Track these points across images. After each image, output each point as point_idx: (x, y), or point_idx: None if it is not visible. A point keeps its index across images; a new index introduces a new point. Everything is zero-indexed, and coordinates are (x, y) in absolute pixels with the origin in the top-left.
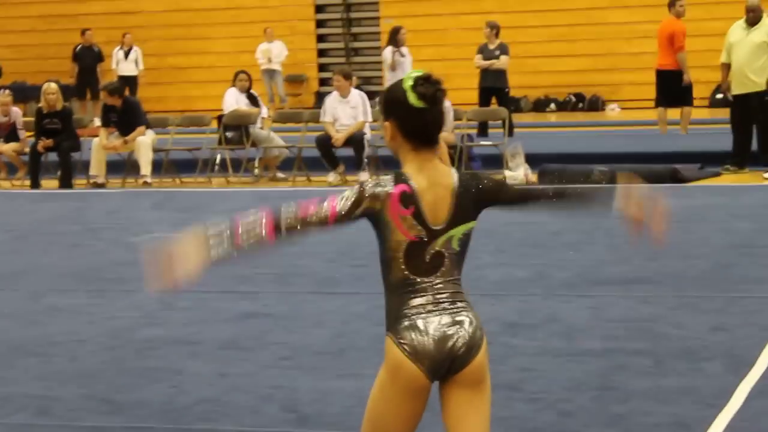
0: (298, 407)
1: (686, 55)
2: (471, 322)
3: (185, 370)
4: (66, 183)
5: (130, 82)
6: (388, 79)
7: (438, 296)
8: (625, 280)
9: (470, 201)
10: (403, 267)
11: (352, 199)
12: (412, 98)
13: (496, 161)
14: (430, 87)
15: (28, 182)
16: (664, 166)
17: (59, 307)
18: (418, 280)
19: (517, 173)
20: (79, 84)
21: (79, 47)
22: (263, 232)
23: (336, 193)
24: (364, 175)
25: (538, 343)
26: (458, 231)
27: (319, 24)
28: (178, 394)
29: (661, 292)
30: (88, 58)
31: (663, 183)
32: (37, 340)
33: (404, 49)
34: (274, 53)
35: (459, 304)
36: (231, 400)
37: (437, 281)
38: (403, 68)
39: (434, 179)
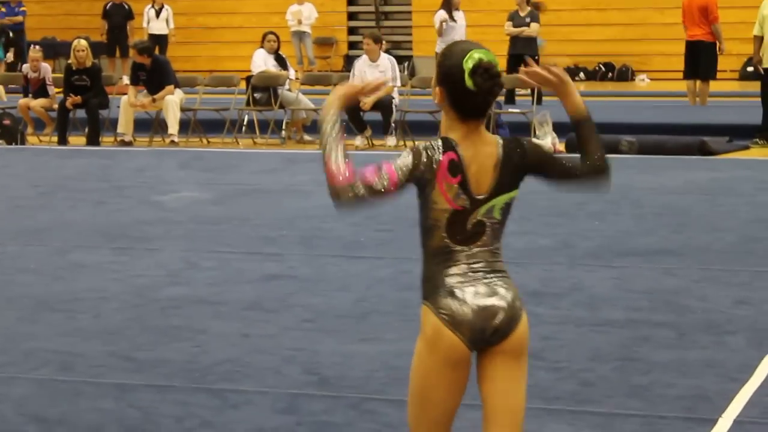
0: (319, 370)
1: (721, 26)
2: (510, 293)
3: (208, 330)
4: (93, 140)
5: (160, 40)
6: (438, 44)
7: (478, 265)
8: (649, 251)
9: (514, 170)
10: (444, 235)
11: (409, 165)
12: (468, 82)
13: (524, 129)
14: (488, 81)
15: (55, 138)
16: (693, 138)
17: (84, 263)
18: (458, 248)
19: (545, 142)
20: (109, 41)
21: (109, 4)
22: (345, 168)
23: (389, 160)
24: (391, 140)
25: (562, 313)
26: (500, 200)
27: None
28: (200, 354)
29: (686, 264)
30: (118, 16)
31: (691, 155)
32: (62, 296)
33: (458, 14)
34: (304, 15)
35: (498, 275)
36: (253, 360)
37: (477, 250)
38: (452, 35)
39: (479, 148)
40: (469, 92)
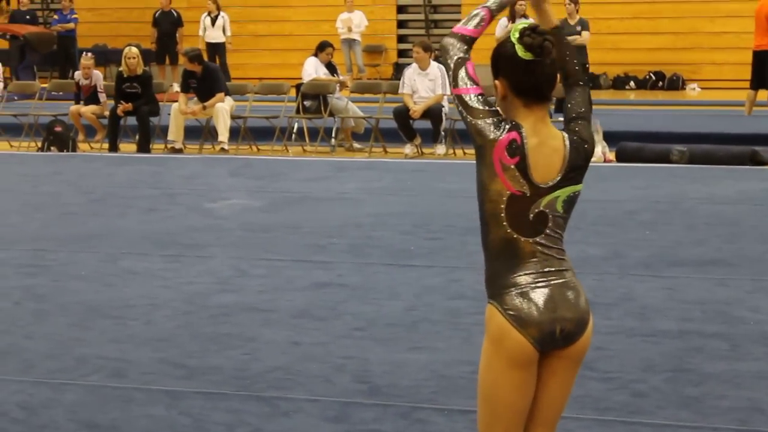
0: (370, 378)
1: None
2: (579, 293)
3: (258, 338)
4: (144, 147)
5: (216, 49)
6: None
7: (544, 262)
8: (701, 261)
9: (579, 164)
10: (505, 224)
11: (481, 108)
12: (520, 50)
13: None
14: (537, 37)
15: (106, 145)
16: (744, 148)
17: (135, 270)
18: (522, 240)
19: (595, 151)
20: (158, 49)
21: (158, 12)
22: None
23: (481, 91)
24: (440, 148)
25: (613, 323)
26: (564, 193)
27: None
28: (251, 361)
29: (739, 275)
30: (167, 23)
31: (742, 165)
32: (113, 303)
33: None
34: (354, 23)
35: (566, 274)
36: (303, 369)
37: (542, 245)
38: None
39: (546, 140)
40: (525, 64)
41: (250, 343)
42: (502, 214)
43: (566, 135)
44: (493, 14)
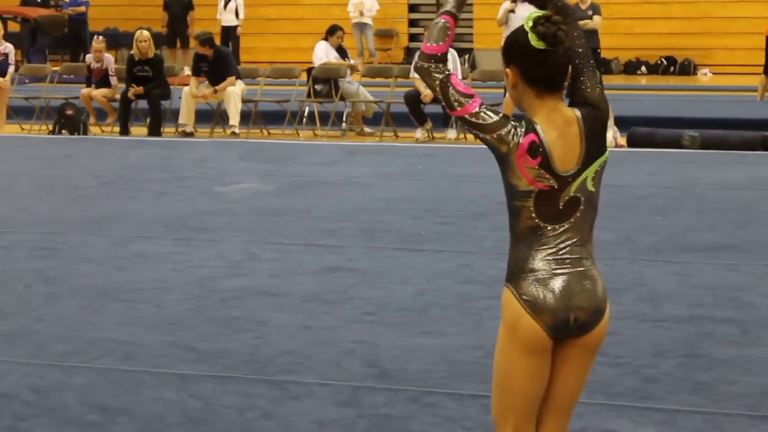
0: (380, 363)
1: None
2: (596, 282)
3: (269, 322)
4: (155, 131)
5: (229, 32)
6: (503, 37)
7: (565, 249)
8: (712, 246)
9: (597, 136)
10: (533, 215)
11: (491, 122)
12: (533, 39)
13: None
14: (551, 26)
15: (117, 129)
16: (756, 133)
17: (146, 254)
18: (549, 227)
19: (606, 136)
20: (169, 33)
21: None
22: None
23: (483, 101)
24: (451, 132)
25: (624, 308)
26: (591, 170)
27: None
28: (261, 345)
29: (750, 260)
30: (178, 7)
31: (753, 150)
32: (123, 286)
33: (523, 6)
34: (366, 7)
35: (585, 262)
36: (314, 353)
37: (567, 231)
38: (512, 26)
39: (563, 129)
40: (537, 53)
41: (260, 326)
42: (531, 208)
43: (578, 113)
44: (455, 17)
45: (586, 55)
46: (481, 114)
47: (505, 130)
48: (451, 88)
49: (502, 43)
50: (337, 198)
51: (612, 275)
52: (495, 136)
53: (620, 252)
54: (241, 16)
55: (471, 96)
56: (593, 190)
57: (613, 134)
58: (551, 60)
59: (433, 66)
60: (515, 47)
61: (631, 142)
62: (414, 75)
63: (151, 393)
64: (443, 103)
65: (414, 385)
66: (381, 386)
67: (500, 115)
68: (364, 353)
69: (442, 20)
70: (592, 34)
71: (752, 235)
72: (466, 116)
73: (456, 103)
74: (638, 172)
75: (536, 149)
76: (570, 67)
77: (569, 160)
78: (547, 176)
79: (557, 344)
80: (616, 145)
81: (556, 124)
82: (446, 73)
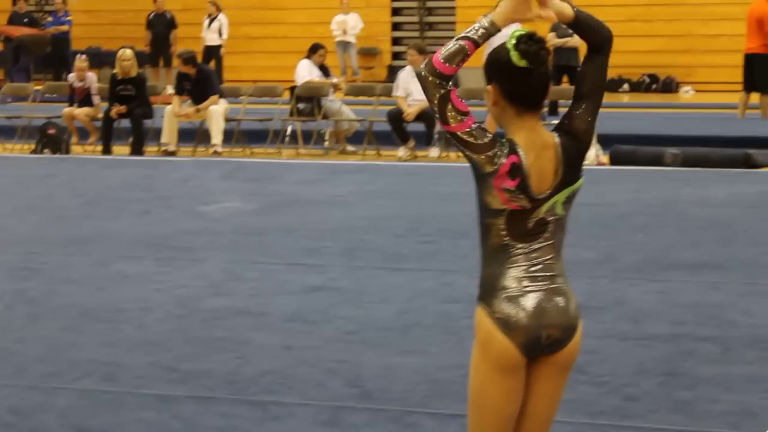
0: (362, 382)
1: None
2: (569, 300)
3: (251, 341)
4: (137, 150)
5: (212, 51)
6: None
7: (537, 267)
8: (694, 264)
9: (574, 162)
10: (503, 233)
11: (482, 142)
12: (515, 57)
13: None
14: (533, 45)
15: (99, 148)
16: (737, 151)
17: (127, 274)
18: (518, 246)
19: (588, 153)
20: (152, 51)
21: (152, 14)
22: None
23: (476, 120)
24: (434, 151)
25: (605, 326)
26: (562, 195)
27: None
28: (243, 365)
29: (731, 278)
30: (161, 26)
31: (736, 167)
32: (105, 307)
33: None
34: (349, 25)
35: (557, 279)
36: (296, 373)
37: (538, 249)
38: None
39: (540, 149)
40: (519, 72)
41: (242, 346)
42: (502, 225)
43: (557, 140)
44: (477, 46)
45: (599, 85)
46: (474, 133)
47: (492, 152)
48: (450, 104)
49: (484, 61)
50: (320, 217)
51: (593, 293)
52: (484, 156)
53: (601, 270)
54: (225, 35)
55: (467, 114)
56: (562, 213)
57: (595, 152)
58: (532, 78)
59: (438, 81)
60: (497, 64)
61: (614, 160)
62: (397, 93)
63: (132, 414)
64: (437, 116)
65: (395, 404)
66: (362, 406)
67: (491, 136)
68: (345, 373)
69: (464, 44)
70: (573, 51)
71: (734, 253)
72: (459, 133)
73: (452, 119)
74: (620, 189)
75: (516, 171)
76: (574, 87)
77: (544, 183)
78: (522, 197)
79: (531, 362)
80: (599, 163)
81: (535, 146)
82: (448, 89)
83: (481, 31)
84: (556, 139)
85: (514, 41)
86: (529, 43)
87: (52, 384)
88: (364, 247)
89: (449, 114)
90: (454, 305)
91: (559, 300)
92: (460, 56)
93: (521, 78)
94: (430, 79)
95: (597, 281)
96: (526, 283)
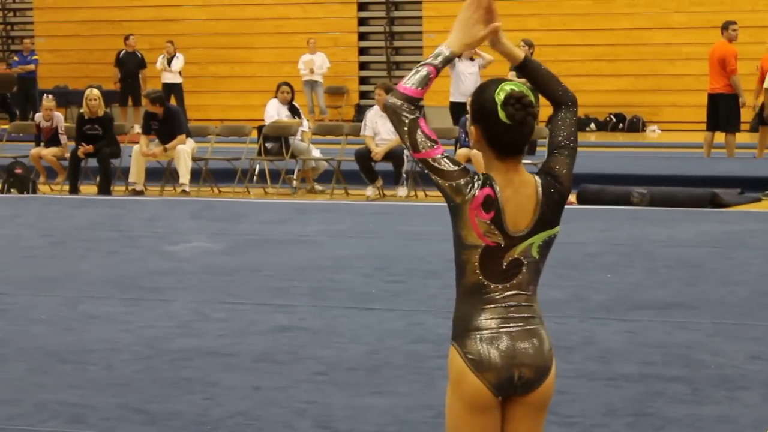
0: (331, 423)
1: (739, 78)
2: (542, 341)
3: (220, 382)
4: (105, 189)
5: (174, 89)
6: (451, 94)
7: (511, 308)
8: (662, 304)
9: (554, 207)
10: (477, 272)
11: (450, 170)
12: (501, 114)
13: None
14: (521, 111)
15: (67, 187)
16: (704, 190)
17: (95, 314)
18: (492, 287)
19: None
20: (122, 90)
21: (122, 53)
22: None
23: (443, 150)
24: (402, 190)
25: (574, 366)
26: (539, 238)
27: (362, 37)
28: (212, 406)
29: (699, 318)
30: (131, 64)
31: (703, 207)
32: (73, 347)
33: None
34: (316, 64)
35: (532, 321)
36: (265, 413)
37: (512, 290)
38: (461, 82)
39: (518, 189)
40: (504, 126)
41: (210, 387)
42: (476, 263)
43: (538, 180)
44: (438, 71)
45: (573, 136)
46: (443, 161)
47: (463, 181)
48: (419, 129)
49: (470, 98)
50: (288, 256)
51: (562, 333)
52: (453, 185)
53: (570, 310)
54: (176, 68)
55: (436, 141)
56: (537, 257)
57: None
58: (516, 133)
59: (405, 105)
60: (483, 112)
61: (581, 199)
62: (364, 133)
63: None
64: (407, 144)
65: None
66: None
67: (460, 166)
68: (315, 414)
69: (427, 69)
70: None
71: (701, 293)
72: (429, 160)
73: (421, 146)
74: (588, 229)
75: (490, 204)
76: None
77: (520, 221)
78: (497, 232)
79: (505, 402)
80: (567, 203)
81: (513, 183)
82: (416, 115)
83: (440, 58)
84: (537, 179)
85: (503, 97)
86: (517, 107)
87: (18, 426)
88: (333, 286)
89: (419, 140)
90: (424, 345)
91: (534, 341)
92: (425, 80)
93: (504, 131)
94: (398, 103)
95: (566, 321)
96: (500, 323)
